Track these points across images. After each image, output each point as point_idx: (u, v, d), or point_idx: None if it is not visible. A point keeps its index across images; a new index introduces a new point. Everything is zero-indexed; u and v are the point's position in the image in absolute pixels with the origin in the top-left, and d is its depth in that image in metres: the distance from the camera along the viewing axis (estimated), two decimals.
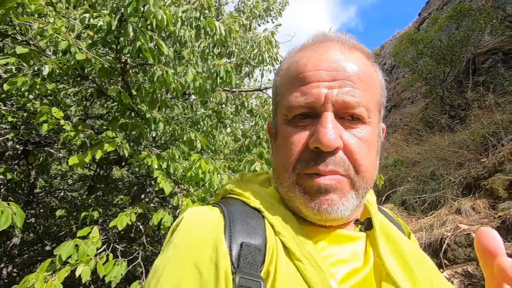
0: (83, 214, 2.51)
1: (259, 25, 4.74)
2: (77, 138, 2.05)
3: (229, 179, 2.39)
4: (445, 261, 2.29)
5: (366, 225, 0.55)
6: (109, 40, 2.15)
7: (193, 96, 3.76)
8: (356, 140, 0.49)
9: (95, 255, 2.05)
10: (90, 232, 2.14)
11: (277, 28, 3.09)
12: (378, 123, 0.54)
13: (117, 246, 2.49)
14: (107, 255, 2.17)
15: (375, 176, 0.53)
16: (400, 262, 0.51)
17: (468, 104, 4.99)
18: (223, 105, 3.42)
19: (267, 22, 4.85)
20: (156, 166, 2.14)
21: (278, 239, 0.47)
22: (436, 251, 2.40)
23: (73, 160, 1.72)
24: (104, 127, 3.41)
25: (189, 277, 0.42)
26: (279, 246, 0.46)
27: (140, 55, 2.27)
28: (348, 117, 0.49)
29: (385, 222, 0.59)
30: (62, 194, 4.60)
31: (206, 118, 3.51)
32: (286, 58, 0.57)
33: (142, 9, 1.55)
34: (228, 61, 2.64)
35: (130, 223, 2.23)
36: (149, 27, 1.86)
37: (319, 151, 0.47)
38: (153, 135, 3.06)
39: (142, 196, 3.39)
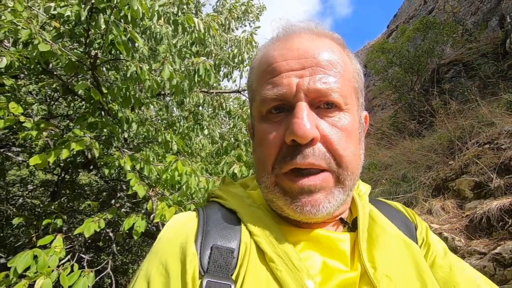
0: (45, 221, 2.30)
1: (237, 28, 4.72)
2: (39, 137, 1.86)
3: (207, 181, 2.30)
4: None
5: (355, 224, 0.52)
6: (77, 33, 2.00)
7: (168, 97, 3.63)
8: (334, 129, 0.46)
9: (58, 266, 1.86)
10: (52, 241, 1.95)
11: (256, 30, 3.07)
12: (357, 110, 0.51)
13: (83, 256, 2.29)
14: (72, 265, 1.99)
15: (360, 166, 0.51)
16: (387, 267, 0.47)
17: (434, 111, 5.29)
18: (200, 107, 3.33)
19: (245, 26, 4.85)
20: (129, 168, 2.00)
21: (252, 240, 0.46)
22: None
23: (35, 159, 1.55)
24: (70, 127, 3.18)
25: (158, 279, 0.43)
26: (252, 247, 0.46)
27: (112, 50, 2.14)
28: (323, 105, 0.46)
29: (377, 219, 0.55)
30: (21, 201, 4.21)
31: (183, 119, 3.39)
32: (258, 53, 0.56)
33: None
34: (207, 60, 2.57)
35: (98, 229, 2.06)
36: (122, 19, 1.75)
37: (296, 145, 0.44)
38: (125, 136, 2.90)
39: (112, 201, 3.18)
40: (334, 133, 0.46)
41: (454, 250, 2.19)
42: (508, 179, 2.47)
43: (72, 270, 1.94)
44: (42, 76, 2.62)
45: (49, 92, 2.90)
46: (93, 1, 1.68)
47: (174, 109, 3.84)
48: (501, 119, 3.43)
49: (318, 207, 0.45)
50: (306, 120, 0.43)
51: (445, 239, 2.29)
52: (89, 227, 2.01)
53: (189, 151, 3.37)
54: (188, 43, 2.32)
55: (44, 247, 1.90)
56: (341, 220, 0.54)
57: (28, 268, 1.69)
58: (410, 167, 3.89)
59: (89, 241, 3.17)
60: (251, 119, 0.57)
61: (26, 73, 2.49)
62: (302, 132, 0.42)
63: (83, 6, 1.75)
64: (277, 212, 0.51)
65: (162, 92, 3.14)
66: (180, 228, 0.48)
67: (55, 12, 1.79)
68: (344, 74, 0.48)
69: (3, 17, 1.51)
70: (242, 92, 3.10)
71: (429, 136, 4.56)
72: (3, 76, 2.17)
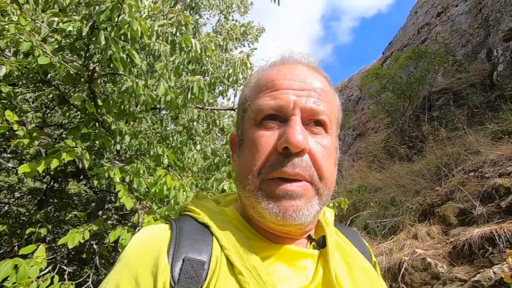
0: (28, 230, 2.27)
1: (236, 48, 4.88)
2: (31, 146, 1.88)
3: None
4: (403, 285, 2.36)
5: (321, 243, 0.56)
6: (78, 46, 2.07)
7: (164, 111, 3.69)
8: (319, 146, 0.51)
9: (38, 277, 1.84)
10: (35, 251, 1.93)
11: (252, 51, 3.19)
12: (336, 137, 0.58)
13: (65, 268, 2.25)
14: (52, 277, 1.96)
15: (334, 187, 0.56)
16: (352, 285, 0.52)
17: (424, 137, 5.42)
18: (195, 122, 3.38)
19: (244, 46, 5.01)
20: (118, 180, 2.01)
21: (223, 254, 0.48)
22: (395, 275, 2.47)
23: (24, 168, 1.57)
24: (63, 136, 3.20)
25: None
26: (223, 261, 0.48)
27: (111, 65, 2.21)
28: (313, 123, 0.52)
29: (342, 244, 0.60)
30: (6, 208, 4.13)
31: (176, 134, 3.43)
32: (255, 73, 0.61)
33: (116, 18, 1.52)
34: (202, 78, 2.65)
35: (82, 241, 2.04)
36: (122, 37, 1.82)
37: (287, 153, 0.48)
38: (118, 148, 2.92)
39: (100, 213, 3.15)
40: (319, 150, 0.50)
41: (437, 276, 2.21)
42: (490, 207, 2.52)
43: (52, 282, 1.91)
44: (39, 85, 2.68)
45: (45, 101, 2.94)
46: (94, 19, 1.76)
47: (169, 123, 3.89)
48: (486, 148, 3.53)
49: (299, 212, 0.47)
50: (299, 131, 0.48)
51: (429, 265, 2.31)
52: (73, 237, 1.99)
53: (181, 165, 3.39)
54: (185, 62, 2.41)
55: (25, 256, 1.87)
56: (309, 237, 0.58)
57: (7, 278, 1.66)
58: (399, 191, 3.94)
59: (73, 252, 3.11)
60: (238, 129, 0.59)
61: (24, 81, 2.54)
62: (296, 141, 0.46)
63: (85, 22, 1.84)
64: (254, 220, 0.53)
65: (158, 106, 3.20)
66: (151, 240, 0.50)
67: (57, 27, 1.87)
68: (332, 104, 0.56)
69: (6, 29, 1.58)
70: (236, 110, 3.18)
71: (418, 161, 4.65)
72: (1, 84, 2.21)
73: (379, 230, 3.40)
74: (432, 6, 12.50)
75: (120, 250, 2.07)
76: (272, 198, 0.48)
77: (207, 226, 0.52)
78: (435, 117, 5.78)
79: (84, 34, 1.81)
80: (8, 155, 3.73)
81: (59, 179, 3.67)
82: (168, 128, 3.59)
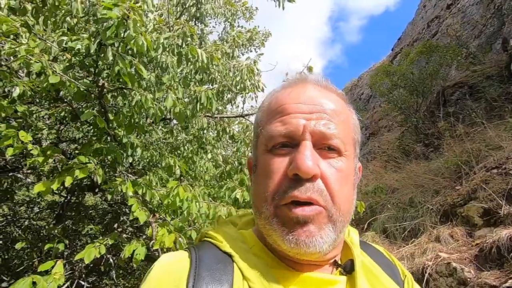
0: (47, 246, 2.31)
1: (243, 54, 4.88)
2: (45, 163, 1.92)
3: (208, 207, 2.30)
4: None
5: (349, 267, 0.53)
6: (87, 63, 2.11)
7: (174, 121, 3.71)
8: (332, 170, 0.49)
9: None
10: (53, 266, 1.95)
11: (259, 57, 3.17)
12: (354, 158, 0.55)
13: (82, 283, 2.27)
14: None
15: (352, 211, 0.53)
16: None
17: (441, 133, 5.24)
18: (205, 131, 3.38)
19: (251, 51, 5.01)
20: (130, 193, 2.02)
21: (246, 285, 0.47)
22: (418, 281, 2.36)
23: (39, 187, 1.59)
24: (77, 152, 3.26)
25: None
26: None
27: (120, 79, 2.24)
28: (325, 148, 0.50)
29: (369, 265, 0.57)
30: (26, 223, 4.24)
31: (187, 143, 3.44)
32: (268, 96, 0.60)
33: (122, 34, 1.54)
34: (210, 87, 2.65)
35: (98, 255, 2.06)
36: (129, 52, 1.84)
37: (298, 178, 0.47)
38: (130, 161, 2.95)
39: (115, 225, 3.18)
40: (332, 174, 0.48)
41: (464, 282, 2.09)
42: None
43: None
44: (52, 102, 2.74)
45: (59, 118, 3.01)
46: (101, 36, 1.78)
47: (180, 132, 3.91)
48: (508, 143, 3.37)
49: (312, 238, 0.46)
50: (309, 157, 0.46)
51: (454, 270, 2.19)
52: (90, 253, 2.00)
53: (193, 174, 3.40)
54: (192, 72, 2.41)
55: (45, 272, 1.90)
56: (335, 263, 0.55)
57: None
58: (417, 191, 3.81)
59: (91, 265, 3.14)
60: (253, 153, 0.59)
61: (38, 100, 2.61)
62: (305, 167, 0.45)
63: (93, 39, 1.86)
64: (272, 247, 0.52)
65: (168, 117, 3.23)
66: (170, 269, 0.49)
67: (67, 46, 1.90)
68: (345, 124, 0.53)
69: (17, 51, 1.62)
70: (245, 117, 3.16)
71: (436, 159, 4.50)
72: (16, 103, 2.28)
73: (398, 233, 3.28)
74: None
75: (135, 264, 2.07)
76: (286, 225, 0.47)
77: (228, 255, 0.51)
78: (451, 113, 5.59)
79: (92, 51, 1.84)
80: (28, 171, 3.83)
81: (76, 192, 3.74)
82: (179, 138, 3.61)
